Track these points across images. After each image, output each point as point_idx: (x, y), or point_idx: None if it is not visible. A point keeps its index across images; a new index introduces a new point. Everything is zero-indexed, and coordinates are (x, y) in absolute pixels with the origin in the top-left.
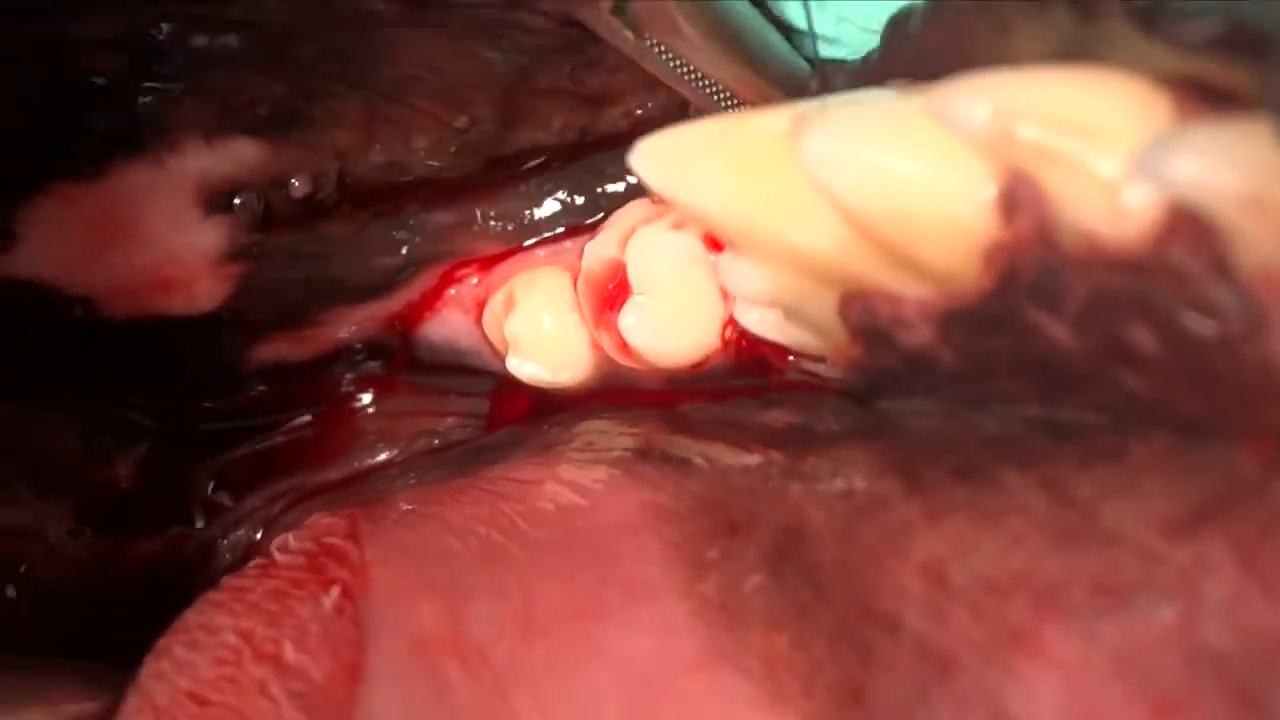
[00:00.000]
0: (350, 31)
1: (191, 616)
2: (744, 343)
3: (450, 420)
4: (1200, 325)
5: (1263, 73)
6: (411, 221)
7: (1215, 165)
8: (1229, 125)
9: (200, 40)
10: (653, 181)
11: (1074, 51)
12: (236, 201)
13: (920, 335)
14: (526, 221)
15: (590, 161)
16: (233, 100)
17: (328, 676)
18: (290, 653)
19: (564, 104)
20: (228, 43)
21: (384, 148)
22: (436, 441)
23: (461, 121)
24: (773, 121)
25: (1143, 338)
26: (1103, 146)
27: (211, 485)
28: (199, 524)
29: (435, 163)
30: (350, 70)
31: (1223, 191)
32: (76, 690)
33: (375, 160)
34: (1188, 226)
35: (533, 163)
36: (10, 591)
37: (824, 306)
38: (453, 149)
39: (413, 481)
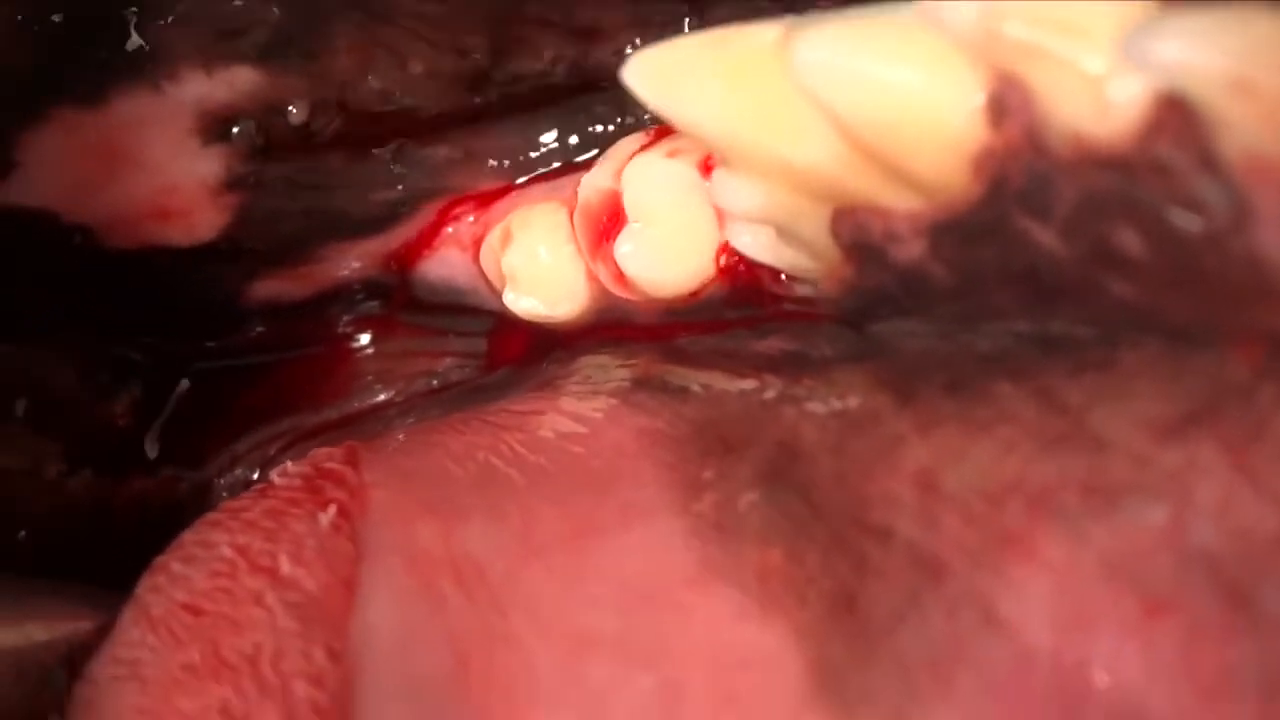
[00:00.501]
0: None
1: (188, 535)
2: (740, 269)
3: (449, 360)
4: (1187, 222)
5: None
6: (408, 155)
7: (1199, 47)
8: (1213, 8)
9: None
10: (645, 95)
11: None
12: (235, 130)
13: (912, 250)
14: (522, 158)
15: (583, 100)
16: (230, 26)
17: (323, 588)
18: (286, 565)
19: (554, 36)
20: None
21: (380, 75)
22: (435, 382)
23: (456, 47)
24: (765, 33)
25: (1130, 240)
26: (1089, 41)
27: (208, 425)
28: (194, 464)
29: (431, 92)
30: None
31: (1207, 73)
32: (74, 608)
33: (372, 87)
34: (1173, 117)
35: (524, 90)
36: (5, 526)
37: (816, 224)
38: (447, 77)
39: (411, 421)
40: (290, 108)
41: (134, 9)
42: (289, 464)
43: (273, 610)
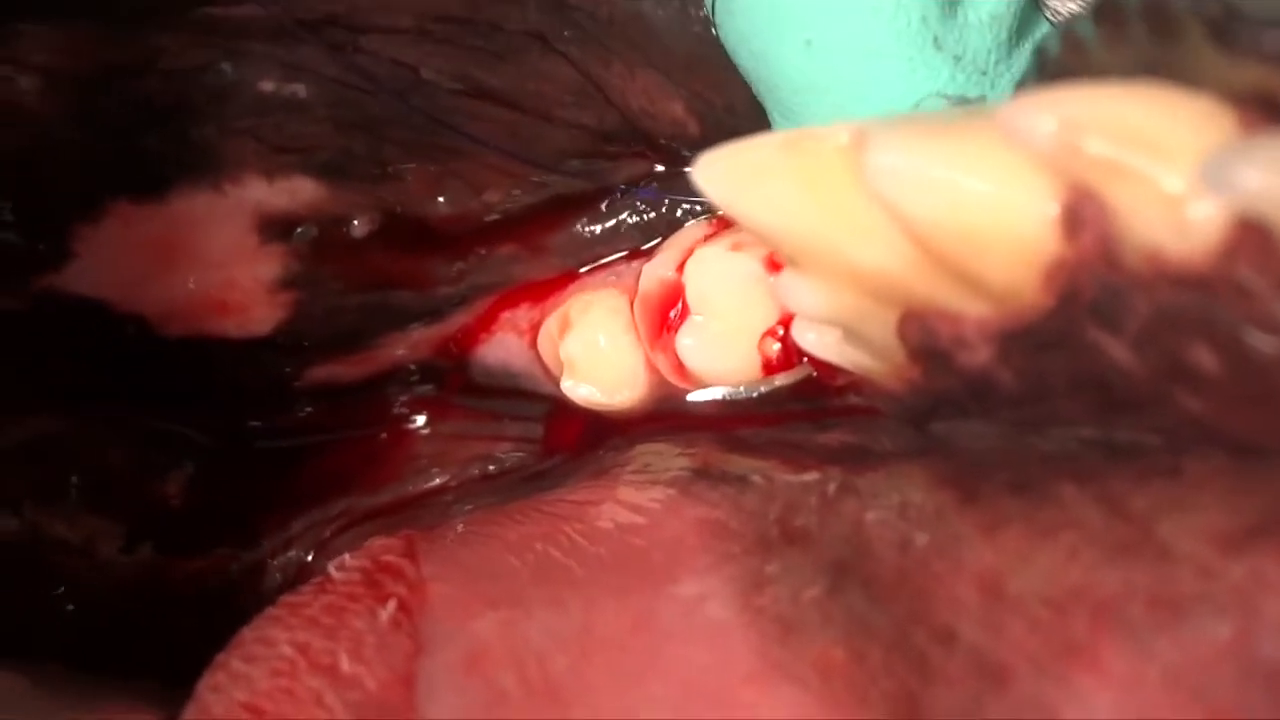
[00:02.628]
0: (423, 96)
1: (248, 632)
2: (789, 363)
3: (505, 444)
4: (1263, 343)
5: None
6: (472, 254)
7: (1279, 175)
8: None
9: (268, 85)
10: (714, 195)
11: (1152, 68)
12: (296, 231)
13: (979, 356)
14: (585, 247)
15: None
16: (295, 144)
17: (383, 686)
18: (346, 664)
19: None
20: (295, 91)
21: (451, 199)
22: (491, 467)
23: (537, 177)
24: (836, 136)
25: (1204, 358)
26: (1168, 161)
27: (262, 505)
28: (247, 545)
29: (505, 210)
30: (422, 135)
31: None
32: (130, 706)
33: (441, 210)
34: (1253, 241)
35: (593, 189)
36: (59, 606)
37: (883, 326)
38: (526, 199)
39: (468, 508)
40: (353, 220)
41: (199, 113)
42: (347, 557)
43: (333, 710)
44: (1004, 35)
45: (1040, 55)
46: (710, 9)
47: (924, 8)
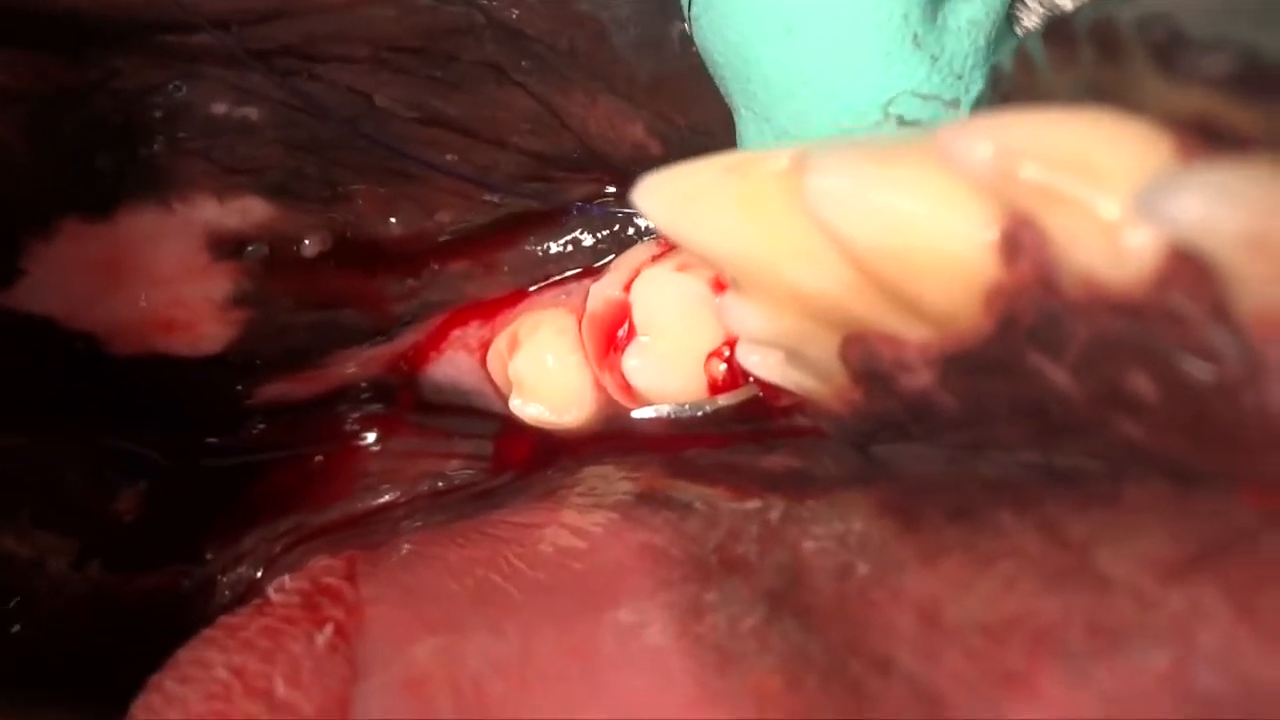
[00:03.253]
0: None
1: (184, 653)
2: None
3: (455, 462)
4: (1199, 371)
5: (1271, 112)
6: (423, 272)
7: (1214, 205)
8: (1229, 165)
9: (219, 107)
10: (655, 218)
11: (1098, 91)
12: (247, 249)
13: (920, 379)
14: (536, 265)
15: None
16: (246, 165)
17: (319, 711)
18: (281, 688)
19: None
20: (247, 114)
21: (403, 220)
22: (441, 484)
23: (490, 198)
24: (778, 159)
25: (1142, 384)
26: (1104, 187)
27: (213, 522)
28: (198, 561)
29: (457, 230)
30: (374, 159)
31: (1221, 232)
32: None
33: (393, 230)
34: (1187, 269)
35: (546, 208)
36: (9, 622)
37: (825, 349)
38: (478, 219)
39: (417, 525)
40: (304, 240)
41: (150, 132)
42: (286, 578)
43: None
44: (981, 41)
45: (994, 72)
46: (687, 4)
47: (906, 5)
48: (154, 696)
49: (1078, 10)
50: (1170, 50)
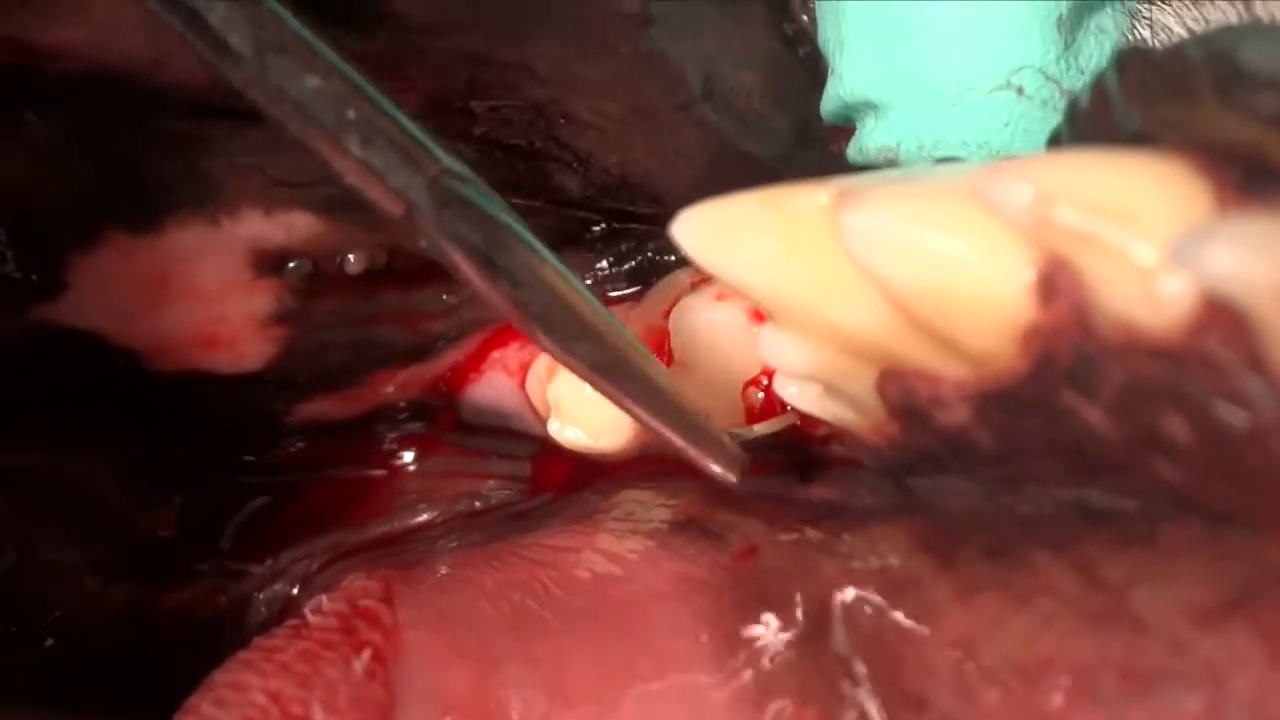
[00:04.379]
0: None
1: (220, 675)
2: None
3: (492, 482)
4: (1233, 416)
5: None
6: (461, 288)
7: (1250, 257)
8: (1265, 216)
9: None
10: (692, 252)
11: (1167, 125)
12: (289, 266)
13: (957, 415)
14: None
15: (637, 232)
16: (296, 179)
17: None
18: (319, 715)
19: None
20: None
21: None
22: (478, 504)
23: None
24: (816, 195)
25: (1176, 427)
26: (1140, 233)
27: (250, 539)
28: (234, 577)
29: None
30: None
31: (1255, 283)
32: None
33: None
34: (1222, 317)
35: (590, 234)
36: (43, 637)
37: (862, 383)
38: None
39: (453, 545)
40: (349, 255)
41: (204, 145)
42: (324, 599)
43: None
44: (1108, 48)
45: (1072, 107)
46: None
47: None
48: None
49: (1155, 45)
50: (1230, 84)
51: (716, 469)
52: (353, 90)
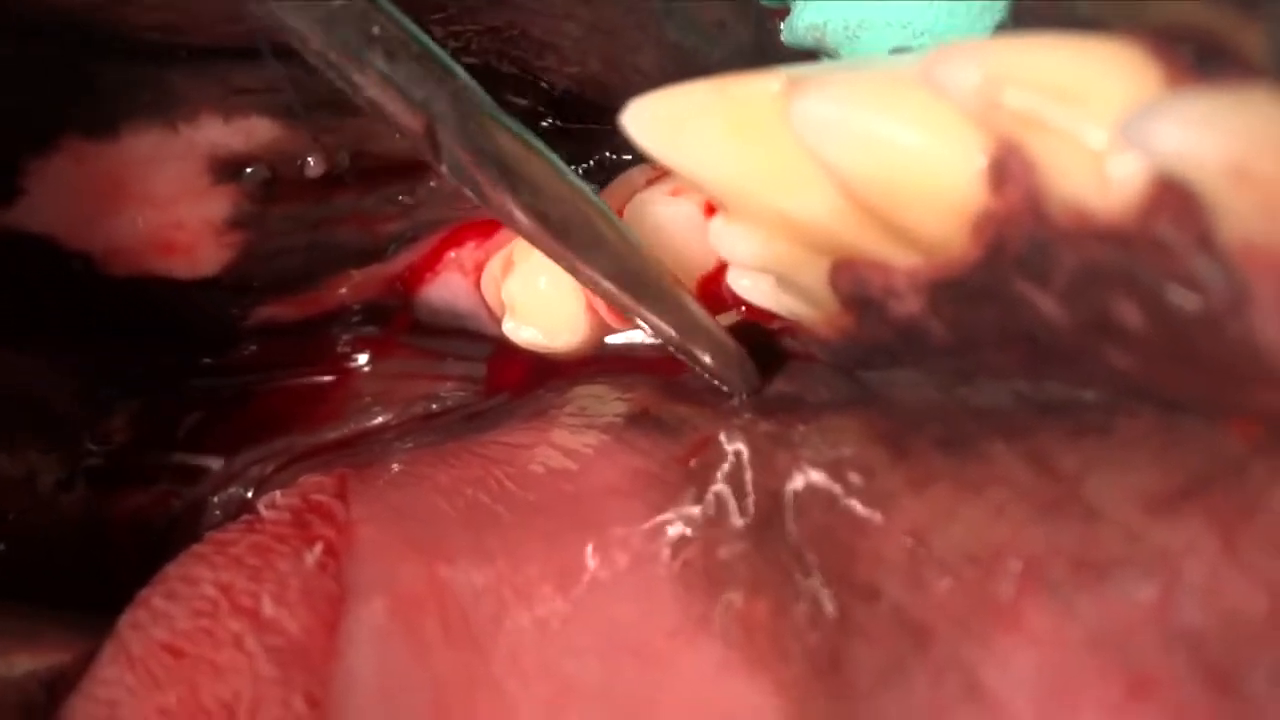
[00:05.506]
0: None
1: (172, 568)
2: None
3: (448, 384)
4: (1184, 299)
5: (1271, 29)
6: (418, 188)
7: (1198, 134)
8: (1216, 93)
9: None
10: (643, 143)
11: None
12: (247, 171)
13: (910, 305)
14: None
15: (595, 129)
16: (257, 85)
17: (305, 631)
18: (269, 607)
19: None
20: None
21: None
22: (434, 406)
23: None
24: (767, 82)
25: (1129, 312)
26: (1090, 115)
27: (204, 442)
28: (189, 481)
29: None
30: None
31: (1204, 161)
32: (61, 636)
33: (399, 141)
34: (1172, 198)
35: (539, 123)
36: None
37: (815, 275)
38: None
39: (409, 446)
40: (308, 159)
41: (165, 53)
42: (278, 495)
43: (253, 655)
44: None
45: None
46: None
47: None
48: (141, 612)
49: None
50: None
51: (730, 383)
52: (375, 7)
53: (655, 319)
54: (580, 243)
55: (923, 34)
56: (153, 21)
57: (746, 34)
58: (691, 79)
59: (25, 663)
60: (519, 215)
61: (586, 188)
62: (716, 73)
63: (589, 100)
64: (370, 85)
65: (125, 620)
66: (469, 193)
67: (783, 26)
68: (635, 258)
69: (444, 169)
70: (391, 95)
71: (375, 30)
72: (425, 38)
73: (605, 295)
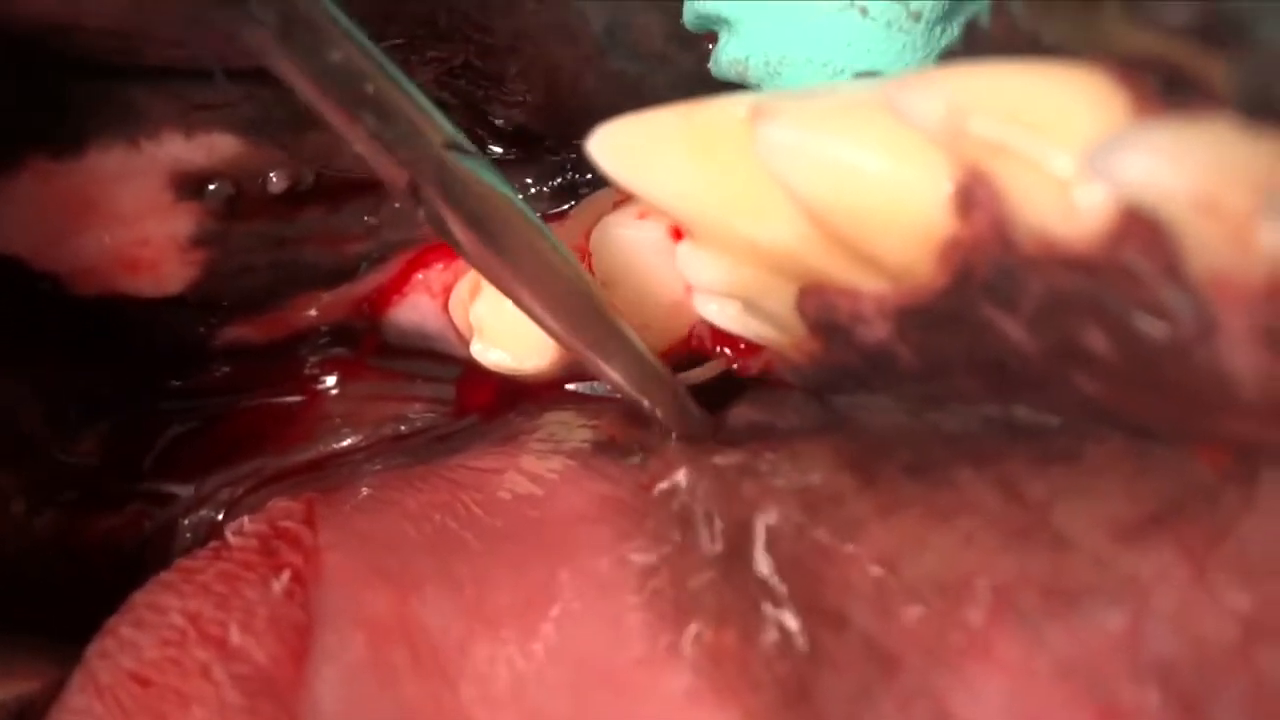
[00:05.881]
0: None
1: (140, 596)
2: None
3: (417, 406)
4: (1151, 327)
5: (1235, 63)
6: (383, 208)
7: (1165, 165)
8: (1183, 124)
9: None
10: (609, 169)
11: (1073, 40)
12: (210, 188)
13: (877, 331)
14: None
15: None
16: (217, 100)
17: (273, 661)
18: (236, 636)
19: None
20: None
21: None
22: (403, 428)
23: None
24: (733, 107)
25: (1096, 339)
26: (1057, 143)
27: (174, 465)
28: (160, 503)
29: None
30: None
31: (1172, 192)
32: (31, 664)
33: (360, 165)
34: (1139, 227)
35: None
36: None
37: (782, 300)
38: None
39: (377, 468)
40: (271, 175)
41: (123, 70)
42: (245, 521)
43: (220, 685)
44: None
45: (970, 29)
46: None
47: None
48: (108, 641)
49: None
50: None
51: (676, 427)
52: (372, 66)
53: (612, 371)
54: (549, 297)
55: (843, 71)
56: (105, 45)
57: (689, 62)
58: (638, 108)
59: None
60: (493, 266)
61: (563, 248)
62: (662, 101)
63: (534, 131)
64: (359, 140)
65: (93, 649)
66: (447, 241)
67: (710, 63)
68: (600, 313)
69: (422, 216)
70: (379, 153)
71: (369, 89)
72: (419, 95)
73: (565, 345)
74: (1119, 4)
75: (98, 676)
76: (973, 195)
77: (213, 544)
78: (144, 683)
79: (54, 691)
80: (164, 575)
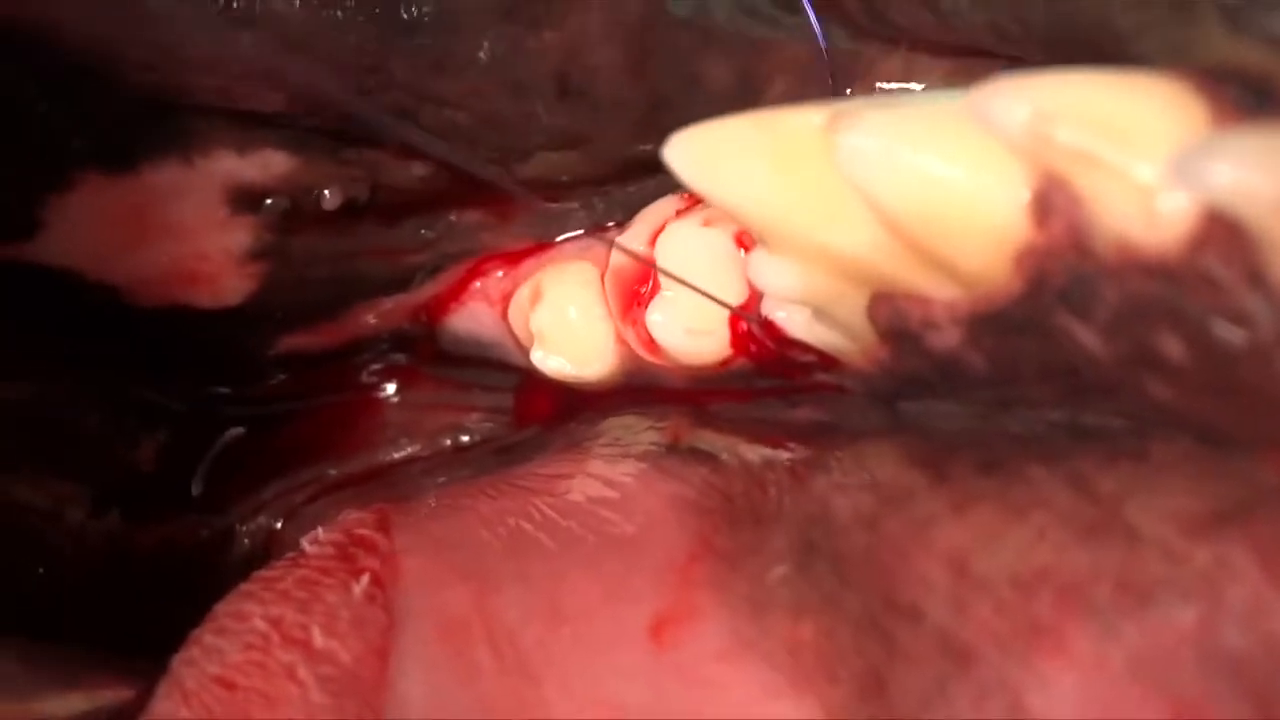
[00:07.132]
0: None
1: (221, 607)
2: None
3: (475, 415)
4: (1231, 334)
5: None
6: (440, 221)
7: (1251, 171)
8: (1266, 132)
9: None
10: (686, 176)
11: (1167, 43)
12: (266, 203)
13: (949, 338)
14: (553, 220)
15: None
16: (271, 117)
17: (357, 660)
18: (319, 638)
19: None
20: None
21: (424, 164)
22: (463, 438)
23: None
24: (810, 116)
25: (1172, 346)
26: (1139, 151)
27: (232, 472)
28: (217, 511)
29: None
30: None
31: (1257, 197)
32: (114, 677)
33: (413, 174)
34: (1222, 234)
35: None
36: (29, 571)
37: (853, 307)
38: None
39: (442, 480)
40: (325, 191)
41: (177, 88)
42: (320, 531)
43: (306, 685)
44: None
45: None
46: None
47: None
48: (193, 649)
49: None
50: (1239, 8)
51: None
52: None
53: None
54: None
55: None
56: (147, 80)
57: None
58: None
59: (82, 703)
60: None
61: None
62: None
63: (480, 185)
64: None
65: (179, 658)
66: None
67: None
68: None
69: None
70: None
71: None
72: None
73: None
74: (1217, 14)
75: (184, 683)
76: (1050, 202)
77: (289, 555)
78: (229, 686)
79: (140, 701)
80: (244, 586)
